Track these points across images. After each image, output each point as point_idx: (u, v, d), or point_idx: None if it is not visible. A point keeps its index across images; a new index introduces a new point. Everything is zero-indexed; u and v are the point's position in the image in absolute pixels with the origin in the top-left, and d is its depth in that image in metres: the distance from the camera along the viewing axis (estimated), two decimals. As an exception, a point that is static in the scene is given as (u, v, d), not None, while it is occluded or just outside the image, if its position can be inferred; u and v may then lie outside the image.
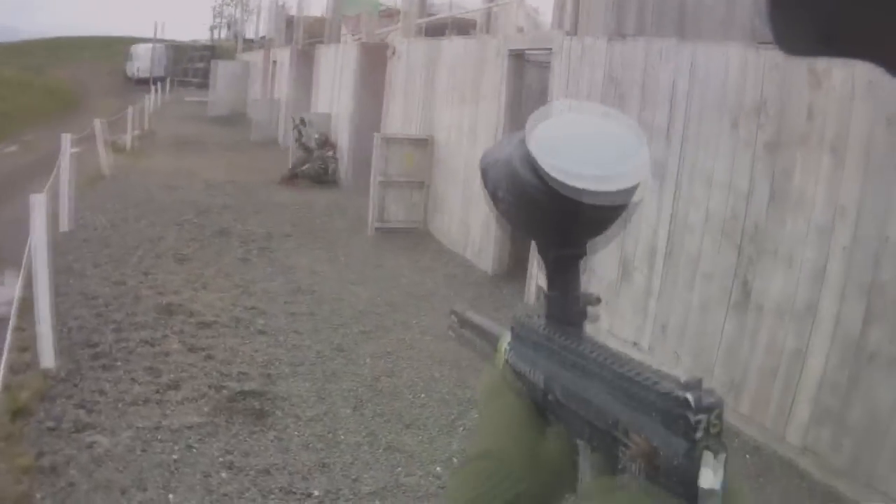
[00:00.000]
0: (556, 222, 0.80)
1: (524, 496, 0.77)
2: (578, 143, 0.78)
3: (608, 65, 7.39)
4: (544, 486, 0.78)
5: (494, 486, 0.77)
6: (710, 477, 0.58)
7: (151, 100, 27.68)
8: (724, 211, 6.06)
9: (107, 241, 9.80)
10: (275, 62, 24.37)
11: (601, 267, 7.31)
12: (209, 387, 5.76)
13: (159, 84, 35.07)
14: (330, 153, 15.21)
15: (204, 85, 39.80)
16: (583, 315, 0.84)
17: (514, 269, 9.43)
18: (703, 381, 0.62)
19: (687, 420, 0.59)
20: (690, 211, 6.41)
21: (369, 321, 7.56)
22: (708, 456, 0.58)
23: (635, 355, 6.53)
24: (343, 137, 15.18)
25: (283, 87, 21.93)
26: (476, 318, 1.03)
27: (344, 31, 19.75)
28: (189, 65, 49.80)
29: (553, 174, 0.74)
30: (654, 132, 6.49)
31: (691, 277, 6.35)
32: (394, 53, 12.51)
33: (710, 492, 0.58)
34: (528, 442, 0.80)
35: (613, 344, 6.71)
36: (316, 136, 15.41)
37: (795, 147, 5.53)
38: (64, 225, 10.13)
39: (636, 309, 6.85)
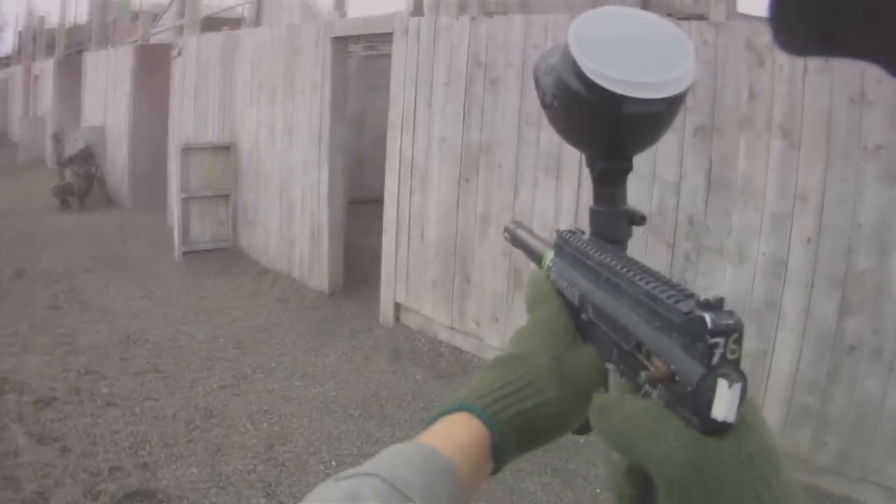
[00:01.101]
0: (600, 130, 0.78)
1: (543, 408, 0.74)
2: (623, 49, 0.74)
3: (471, 45, 6.16)
4: (566, 403, 0.75)
5: (515, 392, 0.74)
6: (722, 408, 0.52)
7: None
8: (647, 205, 5.09)
9: None
10: (36, 77, 21.25)
11: (481, 275, 6.16)
12: (84, 494, 4.34)
13: None
14: (93, 169, 13.01)
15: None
16: (627, 232, 0.82)
17: (355, 285, 8.20)
18: (723, 298, 0.54)
19: (704, 343, 0.53)
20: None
21: (224, 371, 6.12)
22: (722, 384, 0.52)
23: None
24: (121, 150, 13.02)
25: (46, 102, 19.15)
26: (523, 234, 0.99)
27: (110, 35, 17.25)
28: None
29: (596, 79, 0.72)
30: (544, 121, 5.41)
31: None
32: (179, 53, 10.59)
33: (723, 424, 0.52)
34: (559, 355, 0.77)
35: None
36: (76, 150, 13.22)
37: (736, 131, 4.72)
38: None
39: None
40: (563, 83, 0.75)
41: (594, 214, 0.82)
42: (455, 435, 0.70)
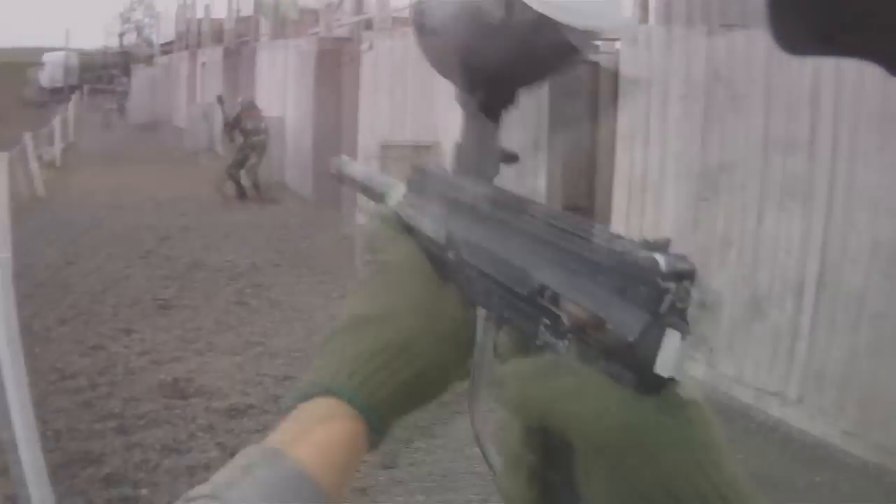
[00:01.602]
0: (496, 57, 0.66)
1: (423, 376, 0.62)
2: None
3: (708, 58, 5.82)
4: (446, 361, 0.64)
5: (388, 364, 0.61)
6: (670, 362, 0.43)
7: (71, 110, 24.56)
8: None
9: (65, 284, 7.81)
10: (203, 64, 21.91)
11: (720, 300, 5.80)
12: None
13: (76, 93, 31.91)
14: (262, 125, 12.49)
15: (118, 92, 36.76)
16: (495, 171, 0.71)
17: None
18: (670, 240, 0.46)
19: (654, 286, 0.44)
20: (850, 238, 4.97)
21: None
22: (672, 336, 0.43)
23: (775, 408, 5.28)
24: (304, 143, 13.08)
25: (214, 92, 19.55)
26: (355, 169, 0.88)
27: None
28: (102, 72, 45.89)
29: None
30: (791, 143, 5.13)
31: (855, 317, 4.95)
32: (370, 47, 10.61)
33: (670, 381, 0.44)
34: (428, 308, 0.64)
35: (742, 393, 5.54)
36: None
37: None
38: (5, 264, 7.98)
39: (777, 354, 5.37)
40: (468, 6, 0.65)
41: (461, 150, 0.72)
42: (315, 430, 0.58)
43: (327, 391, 0.60)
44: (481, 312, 0.62)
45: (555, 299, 0.51)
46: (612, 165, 6.83)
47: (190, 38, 26.18)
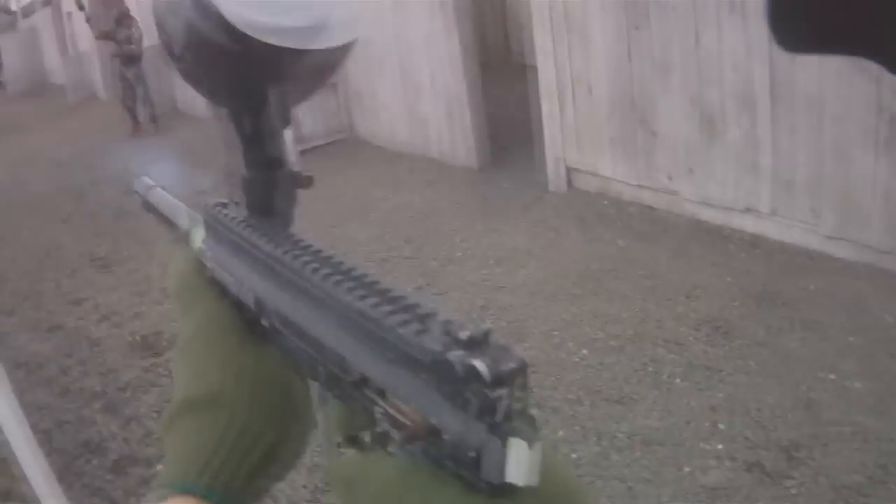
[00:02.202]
0: (252, 87, 0.61)
1: (271, 454, 0.59)
2: None
3: None
4: (288, 436, 0.60)
5: (233, 450, 0.57)
6: (523, 469, 0.39)
7: None
8: None
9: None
10: (69, 13, 20.51)
11: (670, 129, 5.61)
12: None
13: None
14: (133, 30, 11.82)
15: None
16: (292, 200, 0.67)
17: (501, 157, 7.62)
18: (491, 331, 0.41)
19: (482, 397, 0.39)
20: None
21: (409, 270, 5.63)
22: (518, 445, 0.39)
23: (749, 224, 5.08)
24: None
25: (86, 37, 18.07)
26: (157, 198, 0.80)
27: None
28: None
29: (244, 29, 0.55)
30: None
31: (817, 121, 4.79)
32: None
33: (527, 488, 0.40)
34: (252, 376, 0.60)
35: (712, 216, 5.35)
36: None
37: None
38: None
39: (741, 169, 5.22)
40: (196, 33, 0.58)
41: (249, 184, 0.66)
42: None
43: (183, 490, 0.56)
44: (315, 384, 0.57)
45: (382, 393, 0.47)
46: (528, 5, 6.47)
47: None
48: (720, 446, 3.37)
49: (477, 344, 0.41)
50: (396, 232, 6.32)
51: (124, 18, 12.01)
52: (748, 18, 4.87)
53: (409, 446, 0.45)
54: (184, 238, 0.73)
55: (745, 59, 4.96)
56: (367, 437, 0.50)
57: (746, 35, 4.89)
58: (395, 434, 0.46)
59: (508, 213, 6.38)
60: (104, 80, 17.41)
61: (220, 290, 0.65)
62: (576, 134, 6.32)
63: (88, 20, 11.97)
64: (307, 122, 8.71)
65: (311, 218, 5.70)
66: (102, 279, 6.56)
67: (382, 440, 0.48)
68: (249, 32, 0.54)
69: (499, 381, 0.39)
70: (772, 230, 5.16)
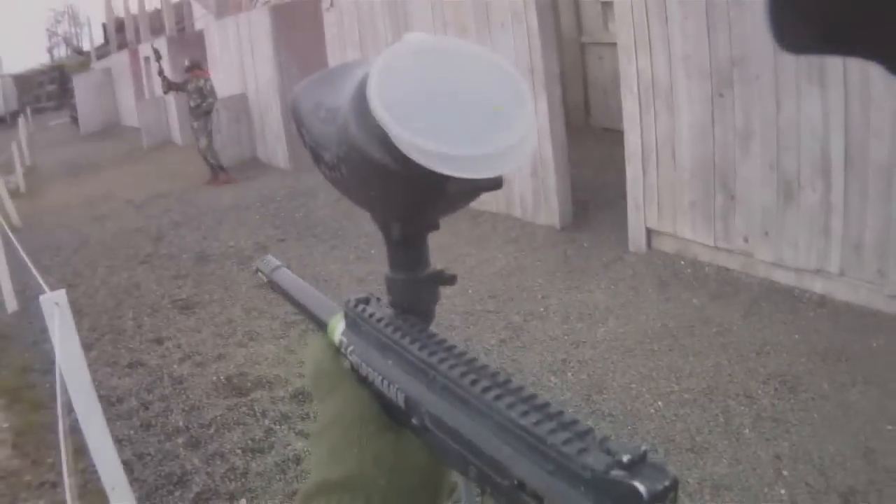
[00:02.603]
0: (407, 202, 0.64)
1: None
2: (443, 105, 0.59)
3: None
4: None
5: None
6: None
7: (21, 134, 24.50)
8: None
9: (76, 309, 7.81)
10: (146, 58, 21.83)
11: (748, 194, 6.11)
12: None
13: (20, 117, 31.51)
14: (203, 83, 12.36)
15: (61, 106, 37.67)
16: (434, 298, 0.71)
17: (583, 218, 8.12)
18: (647, 451, 0.46)
19: None
20: (871, 114, 5.18)
21: (494, 324, 6.01)
22: None
23: (819, 285, 5.55)
24: (272, 114, 13.22)
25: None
26: (287, 282, 0.85)
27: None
28: (40, 91, 47.54)
29: (413, 155, 0.55)
30: None
31: (885, 188, 5.17)
32: (332, 4, 10.68)
33: None
34: (391, 461, 0.63)
35: (784, 276, 5.78)
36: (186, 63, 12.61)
37: None
38: (11, 304, 7.94)
39: (813, 232, 5.63)
40: (357, 149, 0.61)
41: (393, 284, 0.71)
42: None
43: None
44: (464, 479, 0.60)
45: (539, 499, 0.51)
46: (617, 77, 7.01)
47: (127, 36, 26.14)
48: (783, 491, 3.72)
49: (635, 465, 0.45)
50: (480, 287, 6.75)
51: (195, 70, 12.63)
52: (827, 88, 5.28)
53: None
54: (320, 323, 0.78)
55: (822, 127, 5.37)
56: None
57: (824, 103, 5.30)
58: None
59: (589, 271, 6.79)
60: (180, 126, 18.30)
61: (361, 385, 0.69)
62: (658, 196, 6.76)
63: (160, 73, 12.65)
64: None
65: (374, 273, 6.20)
66: (184, 320, 7.06)
67: None
68: (417, 159, 0.56)
69: (654, 500, 0.44)
70: (839, 291, 5.52)
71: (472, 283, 6.87)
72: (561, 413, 0.52)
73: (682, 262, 6.59)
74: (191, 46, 17.05)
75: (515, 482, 0.52)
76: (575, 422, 0.51)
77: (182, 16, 20.62)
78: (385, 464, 0.63)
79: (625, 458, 0.46)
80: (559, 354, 5.43)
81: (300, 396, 5.16)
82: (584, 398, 4.83)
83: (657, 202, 6.75)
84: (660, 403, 4.71)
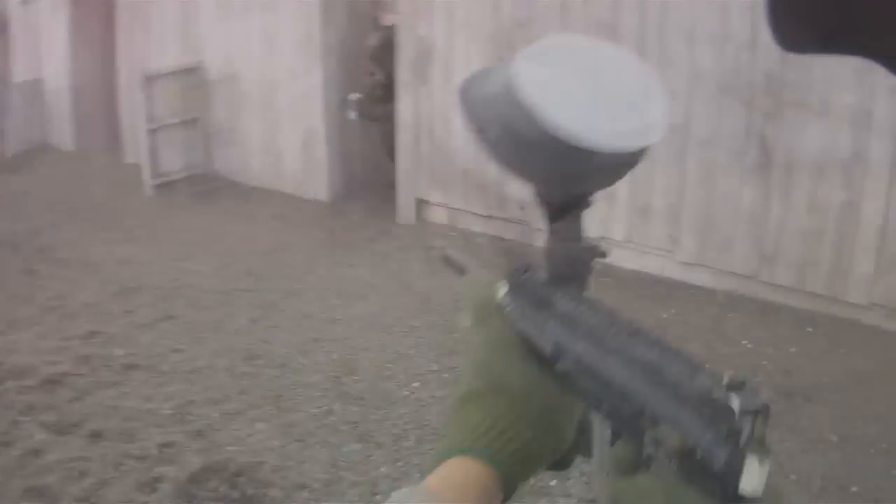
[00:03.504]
0: (560, 174, 0.72)
1: (533, 443, 0.71)
2: (586, 92, 0.68)
3: None
4: (556, 439, 0.73)
5: (507, 430, 0.70)
6: (754, 482, 0.52)
7: None
8: (720, 64, 4.77)
9: None
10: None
11: None
12: (138, 488, 3.53)
13: None
14: None
15: None
16: (588, 270, 0.78)
17: (356, 190, 7.57)
18: (748, 381, 0.54)
19: (732, 425, 0.53)
20: (668, 71, 4.89)
21: (248, 303, 5.43)
22: (752, 461, 0.52)
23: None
24: (62, 96, 12.00)
25: None
26: (460, 259, 0.94)
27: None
28: None
29: (560, 134, 0.65)
30: None
31: (679, 148, 4.93)
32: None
33: (754, 498, 0.53)
34: (539, 385, 0.72)
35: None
36: None
37: None
38: None
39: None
40: (512, 129, 0.68)
41: (550, 253, 0.77)
42: (460, 480, 0.68)
43: (461, 453, 0.69)
44: (598, 416, 0.69)
45: (654, 422, 0.58)
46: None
47: None
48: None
49: (735, 387, 0.53)
50: (241, 266, 6.14)
51: None
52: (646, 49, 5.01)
53: (668, 464, 0.56)
54: (485, 277, 0.84)
55: None
56: (631, 462, 0.62)
57: None
58: (660, 453, 0.57)
59: (355, 245, 6.34)
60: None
61: (516, 330, 0.76)
62: (430, 167, 6.30)
63: None
64: (165, 156, 8.39)
65: (157, 252, 5.35)
66: None
67: (647, 462, 0.59)
68: (568, 140, 0.64)
69: (745, 414, 0.51)
70: (627, 259, 5.20)
71: (231, 262, 6.25)
72: (680, 352, 0.60)
73: (454, 234, 6.14)
74: None
75: (637, 409, 0.60)
76: (690, 358, 0.59)
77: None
78: (527, 378, 0.72)
79: (725, 381, 0.54)
80: (310, 333, 4.90)
81: (48, 386, 4.51)
82: (332, 380, 4.33)
83: (430, 172, 6.15)
84: (416, 384, 4.23)
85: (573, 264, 0.76)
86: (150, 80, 8.25)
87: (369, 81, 6.83)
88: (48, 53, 12.47)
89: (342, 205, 7.37)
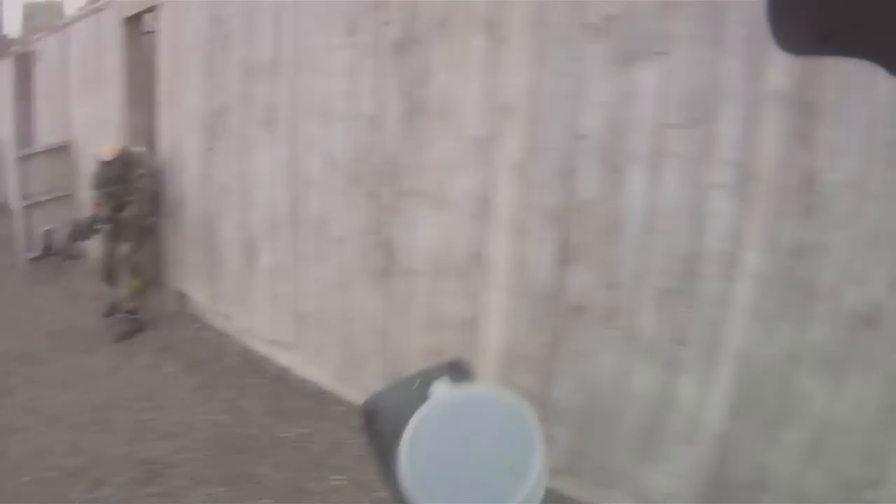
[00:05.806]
0: None
1: None
2: (462, 470, 0.61)
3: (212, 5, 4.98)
4: None
5: None
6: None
7: None
8: (349, 149, 3.95)
9: None
10: None
11: (226, 248, 5.02)
12: None
13: None
14: None
15: None
16: None
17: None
18: None
19: None
20: (312, 157, 4.22)
21: None
22: None
23: (280, 355, 4.66)
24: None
25: None
26: None
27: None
28: None
29: None
30: (261, 71, 4.43)
31: (321, 247, 4.22)
32: (38, 57, 9.37)
33: None
34: None
35: (261, 347, 4.85)
36: None
37: (433, 35, 3.47)
38: None
39: (267, 297, 4.69)
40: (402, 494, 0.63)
41: None
42: None
43: None
44: None
45: None
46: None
47: None
48: None
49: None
50: (24, 345, 5.47)
51: None
52: (279, 130, 4.40)
53: None
54: None
55: (271, 177, 4.52)
56: None
57: (275, 150, 4.46)
58: None
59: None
60: None
61: None
62: (182, 256, 5.79)
63: None
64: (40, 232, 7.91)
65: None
66: None
67: None
68: None
69: None
70: (296, 363, 4.61)
71: (19, 342, 5.57)
72: None
73: (196, 326, 5.58)
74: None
75: None
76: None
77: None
78: None
79: None
80: (14, 421, 4.32)
81: None
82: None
83: (182, 262, 5.46)
84: (27, 479, 3.63)
85: None
86: (26, 158, 7.98)
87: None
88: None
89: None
